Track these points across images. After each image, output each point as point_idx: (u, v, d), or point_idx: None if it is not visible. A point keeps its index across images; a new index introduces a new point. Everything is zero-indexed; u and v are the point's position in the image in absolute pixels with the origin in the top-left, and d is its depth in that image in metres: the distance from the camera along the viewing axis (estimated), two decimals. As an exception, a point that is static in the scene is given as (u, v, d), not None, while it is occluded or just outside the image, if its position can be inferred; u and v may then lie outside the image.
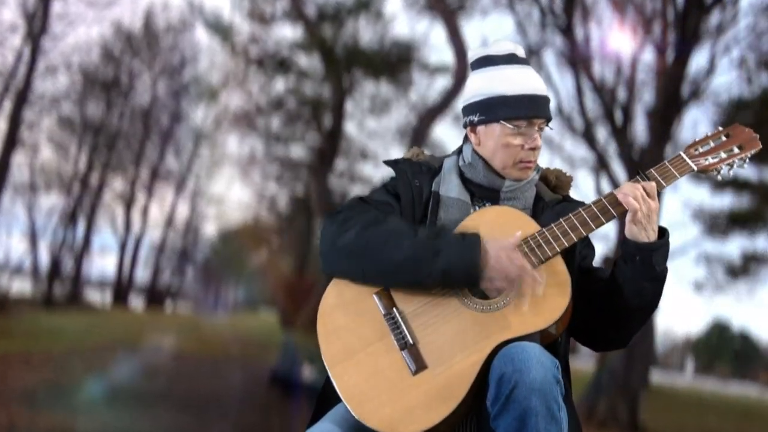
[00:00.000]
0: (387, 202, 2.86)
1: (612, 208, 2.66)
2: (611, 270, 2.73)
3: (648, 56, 16.49)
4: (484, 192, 2.86)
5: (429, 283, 2.61)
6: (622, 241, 2.68)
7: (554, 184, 2.98)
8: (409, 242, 2.61)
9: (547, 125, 2.86)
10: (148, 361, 17.66)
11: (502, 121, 2.78)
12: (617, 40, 15.87)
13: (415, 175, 2.91)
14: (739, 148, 2.75)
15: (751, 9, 15.55)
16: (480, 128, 2.85)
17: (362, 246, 2.67)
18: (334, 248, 2.72)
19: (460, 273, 2.56)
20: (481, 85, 2.85)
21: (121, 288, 37.86)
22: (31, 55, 24.25)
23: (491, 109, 2.80)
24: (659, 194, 2.68)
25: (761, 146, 2.75)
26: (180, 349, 20.59)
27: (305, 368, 14.96)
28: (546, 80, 2.95)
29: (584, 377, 16.28)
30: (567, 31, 15.72)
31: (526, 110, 2.78)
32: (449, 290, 2.60)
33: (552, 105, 2.91)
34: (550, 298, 2.54)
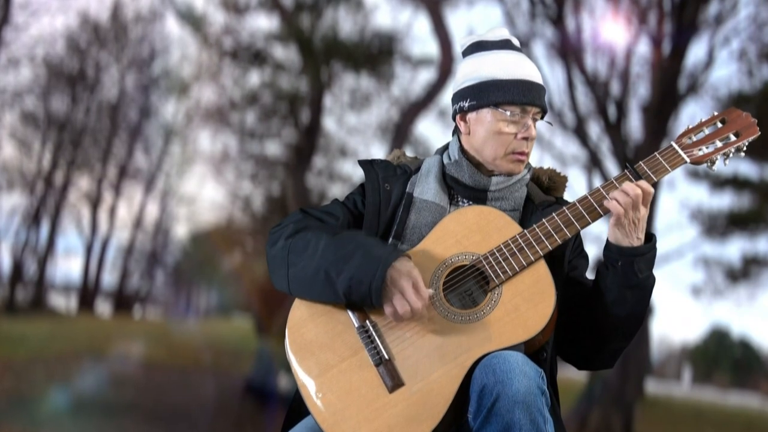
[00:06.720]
0: (330, 212, 2.83)
1: (599, 206, 2.61)
2: (594, 277, 2.69)
3: (643, 48, 16.50)
4: (469, 192, 2.82)
5: (338, 300, 2.59)
6: (605, 245, 2.63)
7: (547, 185, 2.95)
8: (324, 251, 2.58)
9: (542, 118, 2.83)
10: (115, 370, 17.61)
11: (493, 107, 2.75)
12: (610, 31, 15.87)
13: (387, 178, 2.88)
14: (736, 135, 2.68)
15: (753, -2, 15.60)
16: (470, 115, 2.81)
17: (285, 254, 2.66)
18: (268, 259, 2.72)
19: (358, 295, 2.53)
20: (473, 69, 2.81)
21: (87, 292, 37.62)
22: (-8, 47, 24.15)
23: (483, 94, 2.77)
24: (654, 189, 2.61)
25: (759, 133, 2.69)
26: (149, 358, 20.53)
27: (281, 377, 14.94)
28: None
29: (576, 387, 16.33)
30: (558, 22, 15.72)
31: (520, 96, 2.75)
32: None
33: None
34: (533, 307, 2.51)
